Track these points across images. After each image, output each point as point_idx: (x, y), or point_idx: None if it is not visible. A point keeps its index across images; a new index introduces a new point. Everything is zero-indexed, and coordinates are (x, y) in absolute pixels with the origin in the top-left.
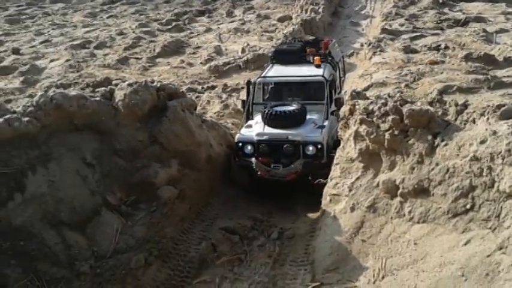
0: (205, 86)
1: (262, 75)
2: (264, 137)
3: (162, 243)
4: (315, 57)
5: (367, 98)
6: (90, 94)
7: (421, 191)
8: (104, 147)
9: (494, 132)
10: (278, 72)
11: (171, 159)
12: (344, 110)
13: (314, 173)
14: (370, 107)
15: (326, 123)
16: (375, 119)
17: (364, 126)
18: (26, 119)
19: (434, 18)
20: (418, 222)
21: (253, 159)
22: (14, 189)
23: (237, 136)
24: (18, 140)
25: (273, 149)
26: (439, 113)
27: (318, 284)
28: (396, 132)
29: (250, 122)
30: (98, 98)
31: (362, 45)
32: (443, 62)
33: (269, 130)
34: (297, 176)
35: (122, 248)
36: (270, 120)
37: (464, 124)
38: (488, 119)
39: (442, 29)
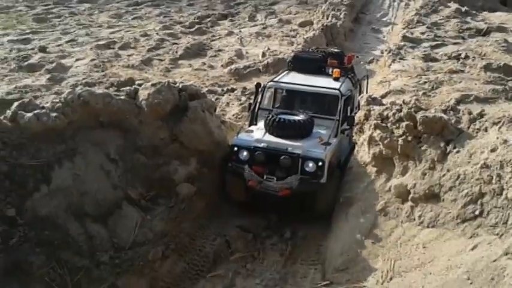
0: (225, 89)
1: (275, 79)
2: (262, 144)
3: (179, 238)
4: (335, 70)
5: (383, 104)
6: (115, 93)
7: (432, 196)
8: (127, 144)
9: (505, 141)
10: (292, 79)
11: (190, 157)
12: (359, 115)
13: (310, 192)
14: (385, 113)
15: (334, 140)
16: (389, 124)
17: (378, 131)
18: (54, 114)
19: (456, 27)
20: (428, 227)
21: (246, 167)
22: (40, 181)
23: (234, 139)
24: (46, 134)
25: (269, 158)
26: (453, 121)
27: (327, 283)
28: (409, 138)
29: (252, 127)
30: (122, 97)
31: (382, 52)
32: (462, 71)
33: (269, 138)
34: (290, 192)
35: (140, 241)
36: (272, 127)
37: (477, 132)
38: (500, 128)
39: (463, 38)
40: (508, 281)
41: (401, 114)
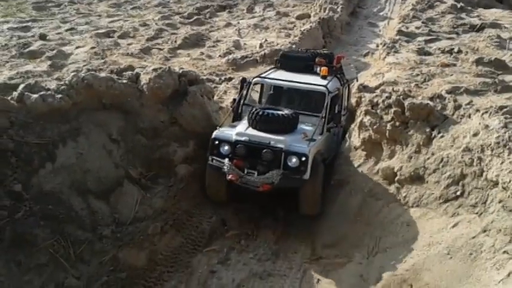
0: (222, 78)
1: (262, 75)
2: (244, 138)
3: (177, 215)
4: (322, 68)
5: (373, 92)
6: (117, 77)
7: (417, 178)
8: (129, 126)
9: (487, 126)
10: (279, 76)
11: (189, 139)
12: (352, 100)
13: (292, 188)
14: (375, 100)
15: (318, 137)
16: (378, 110)
17: (368, 117)
18: (59, 96)
19: (451, 22)
20: (412, 207)
21: (226, 161)
22: (45, 159)
23: (215, 132)
24: (51, 114)
25: (250, 152)
26: (438, 108)
27: (316, 258)
28: (397, 123)
29: (235, 123)
30: (124, 81)
31: (378, 45)
32: (454, 65)
33: (251, 132)
34: (272, 188)
35: (140, 217)
36: (255, 121)
37: (461, 119)
38: (482, 114)
39: (457, 33)
40: (485, 256)
41: (390, 101)
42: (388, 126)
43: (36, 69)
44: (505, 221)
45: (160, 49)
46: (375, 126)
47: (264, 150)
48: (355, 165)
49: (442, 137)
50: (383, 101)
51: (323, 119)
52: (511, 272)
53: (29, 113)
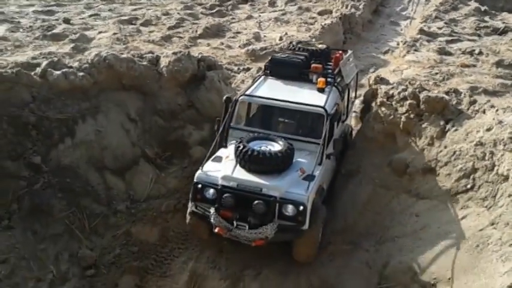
0: (241, 68)
1: (248, 92)
2: (231, 183)
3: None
4: (319, 79)
5: (389, 84)
6: (138, 59)
7: (428, 171)
8: (147, 107)
9: (500, 122)
10: (269, 90)
11: (204, 123)
12: (367, 92)
13: (289, 240)
14: (391, 92)
15: (318, 171)
16: (394, 102)
17: (383, 109)
18: (81, 74)
19: (474, 24)
20: (422, 198)
21: (212, 211)
22: (65, 134)
23: (197, 174)
24: (72, 92)
25: (240, 201)
26: (454, 102)
27: (325, 243)
28: (412, 115)
29: (220, 153)
30: (145, 63)
31: (398, 43)
32: (474, 65)
33: (240, 174)
34: (266, 242)
35: (154, 195)
36: (244, 160)
37: (475, 114)
38: (497, 110)
39: (479, 35)
40: (492, 248)
41: (406, 93)
42: (403, 118)
43: (58, 51)
44: None
45: (181, 37)
46: (389, 118)
47: (256, 202)
48: (368, 156)
49: (455, 130)
50: (399, 93)
51: (322, 147)
52: None
53: (51, 89)
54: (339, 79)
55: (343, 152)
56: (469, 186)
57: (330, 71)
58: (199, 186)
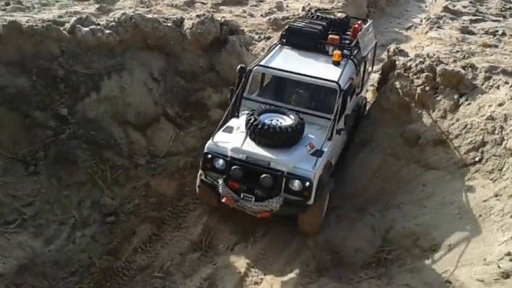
0: (262, 36)
1: (263, 62)
2: (240, 156)
3: None
4: (335, 52)
5: (407, 56)
6: (162, 19)
7: (439, 143)
8: (169, 67)
9: None
10: (284, 61)
11: (224, 86)
12: (385, 64)
13: (294, 215)
14: (408, 64)
15: (327, 147)
16: (411, 74)
17: (400, 80)
18: (108, 31)
19: (500, 5)
20: (431, 169)
21: (220, 181)
22: (91, 89)
23: (208, 144)
24: (99, 48)
25: (248, 174)
26: (469, 77)
27: (333, 207)
28: (427, 88)
29: (232, 123)
30: (169, 24)
31: (422, 20)
32: (496, 46)
33: (249, 146)
34: (271, 214)
35: (173, 152)
36: (255, 134)
37: (489, 89)
38: (511, 86)
39: (504, 16)
40: (493, 219)
41: (423, 65)
42: (418, 90)
43: (84, 10)
44: None
45: (203, 3)
46: (405, 90)
47: (263, 176)
48: (381, 127)
49: (468, 104)
50: (416, 65)
51: (332, 122)
52: None
53: (79, 45)
54: (355, 51)
55: (356, 124)
56: (477, 159)
57: (347, 41)
58: (209, 156)
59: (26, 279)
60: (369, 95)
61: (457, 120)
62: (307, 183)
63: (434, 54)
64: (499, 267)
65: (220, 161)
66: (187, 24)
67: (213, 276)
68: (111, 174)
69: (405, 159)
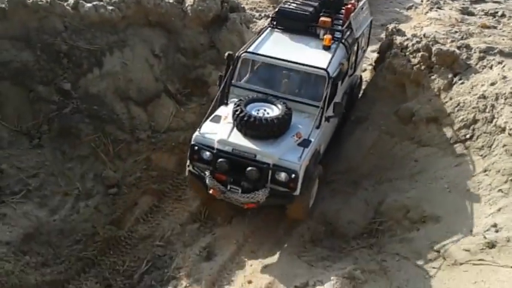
0: (262, 14)
1: (252, 47)
2: (227, 148)
3: None
4: (326, 36)
5: (405, 35)
6: None
7: (432, 120)
8: (170, 44)
9: (504, 77)
10: (273, 46)
11: (224, 64)
12: (382, 43)
13: (280, 205)
14: (405, 43)
15: (315, 135)
16: (407, 53)
17: (396, 59)
18: (110, 7)
19: None
20: (424, 146)
21: (207, 173)
22: (93, 64)
23: (194, 136)
24: (102, 24)
25: (234, 166)
26: (464, 57)
27: (328, 181)
28: (423, 67)
29: (220, 111)
30: (171, 1)
31: (422, 0)
32: (495, 27)
33: (236, 138)
34: (257, 205)
35: (173, 127)
36: (241, 125)
37: (483, 68)
38: (503, 66)
39: None
40: (482, 193)
41: (420, 45)
42: (414, 69)
43: None
44: (505, 163)
45: None
46: (401, 68)
47: (249, 169)
48: (377, 104)
49: (462, 83)
50: (412, 45)
51: (321, 110)
52: (501, 207)
53: (82, 21)
54: (348, 33)
55: (351, 103)
56: (468, 136)
57: (340, 23)
58: (196, 148)
59: (32, 247)
60: (366, 73)
61: (450, 98)
62: (293, 175)
63: (431, 34)
64: (485, 237)
65: (207, 153)
66: (189, 1)
67: (211, 245)
68: (114, 148)
69: (399, 136)
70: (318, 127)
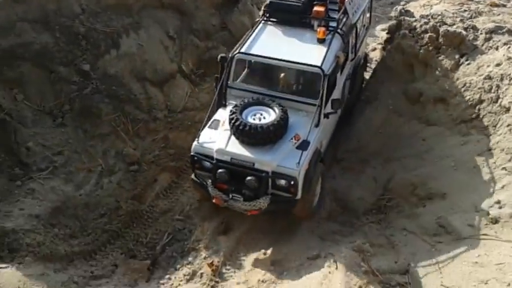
0: None
1: (245, 46)
2: (225, 157)
3: None
4: (319, 29)
5: (413, 17)
6: None
7: (439, 100)
8: (184, 26)
9: (509, 58)
10: (266, 43)
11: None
12: (391, 25)
13: (283, 210)
14: (414, 24)
15: (313, 135)
16: (415, 34)
17: (405, 40)
18: None
19: None
20: (431, 125)
21: (209, 182)
22: (110, 46)
23: (193, 146)
24: (117, 7)
25: (234, 175)
26: (470, 38)
27: (339, 160)
28: (431, 48)
29: (219, 115)
30: None
31: None
32: (504, 5)
33: (233, 147)
34: (260, 212)
35: (189, 107)
36: (237, 133)
37: (489, 49)
38: (509, 47)
39: None
40: (486, 170)
41: (427, 26)
42: (422, 50)
43: None
44: (509, 143)
45: None
46: (409, 49)
47: (248, 178)
48: (386, 85)
49: (468, 64)
50: (420, 26)
51: (318, 108)
52: (504, 185)
53: (99, 3)
54: (344, 19)
55: (356, 84)
56: (473, 116)
57: (335, 10)
58: (196, 158)
59: (60, 220)
60: (376, 53)
61: (457, 79)
62: (292, 182)
63: (438, 15)
64: (488, 214)
65: (207, 162)
66: None
67: (228, 220)
68: (133, 127)
69: (407, 115)
70: (317, 125)
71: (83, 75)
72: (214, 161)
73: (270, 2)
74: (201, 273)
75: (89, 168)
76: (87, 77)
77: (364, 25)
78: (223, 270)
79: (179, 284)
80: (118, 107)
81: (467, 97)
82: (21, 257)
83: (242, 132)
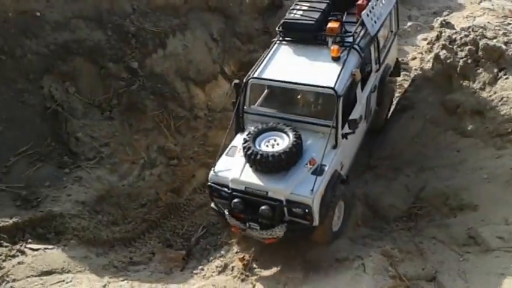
0: None
1: (258, 72)
2: (240, 187)
3: None
4: (333, 47)
5: (454, 29)
6: None
7: (476, 113)
8: (228, 29)
9: None
10: (280, 65)
11: None
12: (431, 35)
13: (300, 237)
14: (454, 36)
15: (330, 158)
16: (455, 47)
17: (444, 51)
18: None
19: None
20: (467, 137)
21: (226, 212)
22: (158, 45)
23: (210, 176)
24: (166, 8)
25: (249, 205)
26: (510, 53)
27: (372, 166)
28: (470, 60)
29: (236, 141)
30: None
31: None
32: None
33: (248, 176)
34: (277, 239)
35: (228, 108)
36: (251, 162)
37: None
38: None
39: None
40: None
41: (467, 39)
42: (461, 62)
43: None
44: None
45: None
46: (448, 60)
47: (262, 208)
48: (423, 94)
49: (506, 78)
50: (460, 38)
51: (334, 129)
52: None
53: (149, 4)
54: (362, 33)
55: (384, 97)
56: (509, 130)
57: (354, 23)
58: (213, 188)
59: (104, 208)
60: (416, 62)
61: (495, 92)
62: (307, 210)
63: (479, 28)
64: None
65: (225, 190)
66: None
67: None
68: (175, 124)
69: (443, 126)
70: (334, 147)
71: (131, 72)
72: (229, 191)
73: (284, 21)
74: (233, 267)
75: (133, 160)
76: (135, 74)
77: (392, 31)
78: (254, 265)
79: (211, 275)
80: (162, 104)
81: (504, 111)
82: (66, 239)
83: (255, 160)
